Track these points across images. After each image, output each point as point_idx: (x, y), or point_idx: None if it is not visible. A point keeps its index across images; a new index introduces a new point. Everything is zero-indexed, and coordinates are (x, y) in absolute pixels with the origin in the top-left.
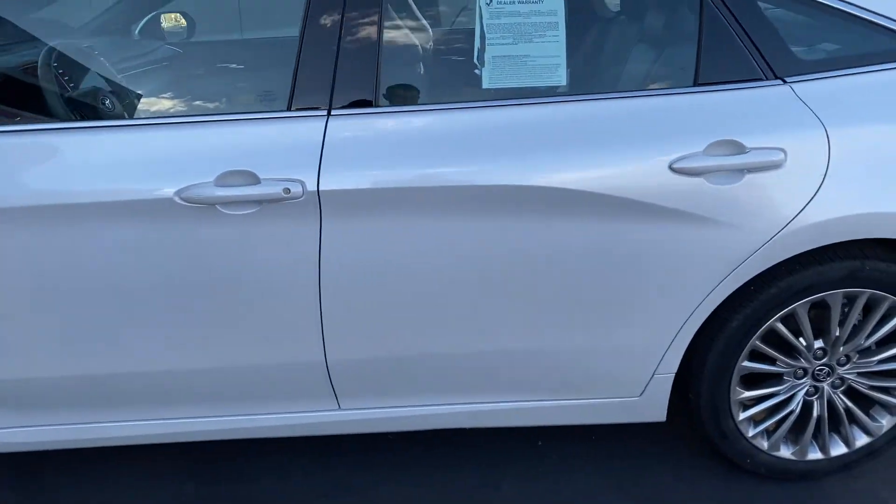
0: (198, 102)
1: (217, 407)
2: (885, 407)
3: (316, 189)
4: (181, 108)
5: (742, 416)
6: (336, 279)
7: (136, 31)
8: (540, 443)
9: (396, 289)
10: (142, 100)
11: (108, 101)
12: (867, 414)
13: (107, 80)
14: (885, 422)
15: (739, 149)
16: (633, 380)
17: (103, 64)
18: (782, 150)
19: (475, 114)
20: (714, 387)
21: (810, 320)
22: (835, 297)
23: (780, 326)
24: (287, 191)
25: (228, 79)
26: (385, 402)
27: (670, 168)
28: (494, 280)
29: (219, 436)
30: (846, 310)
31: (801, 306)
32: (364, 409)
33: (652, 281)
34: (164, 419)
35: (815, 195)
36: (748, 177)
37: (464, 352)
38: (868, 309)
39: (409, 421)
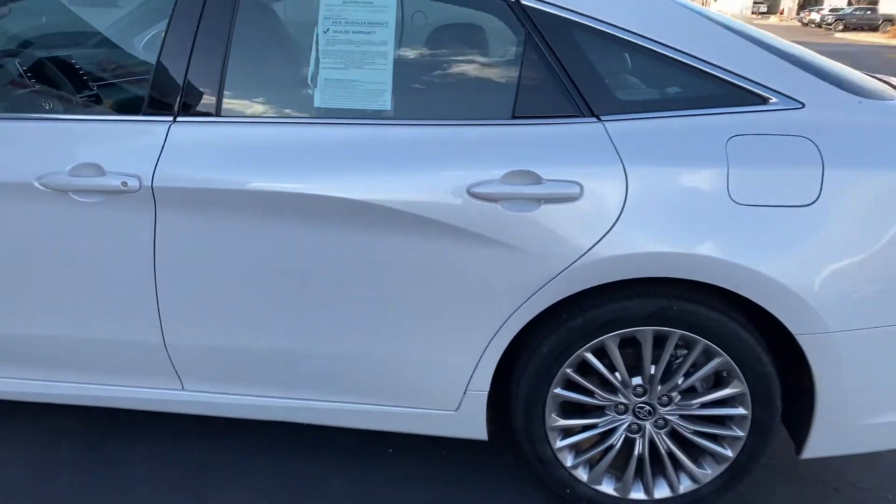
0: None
1: (75, 374)
2: (712, 455)
3: (150, 185)
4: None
5: (560, 443)
6: (170, 269)
7: None
8: (390, 450)
9: (224, 284)
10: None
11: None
12: (693, 459)
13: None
14: (711, 470)
15: (536, 179)
16: (447, 394)
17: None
18: (579, 183)
19: (305, 129)
20: (528, 411)
21: (632, 356)
22: (644, 333)
23: (592, 358)
24: (125, 184)
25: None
26: (226, 389)
27: (468, 192)
28: (313, 285)
29: (72, 400)
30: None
31: (609, 339)
32: (207, 392)
33: (455, 298)
34: (31, 380)
35: (609, 230)
36: (544, 207)
37: (288, 349)
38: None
39: (249, 410)
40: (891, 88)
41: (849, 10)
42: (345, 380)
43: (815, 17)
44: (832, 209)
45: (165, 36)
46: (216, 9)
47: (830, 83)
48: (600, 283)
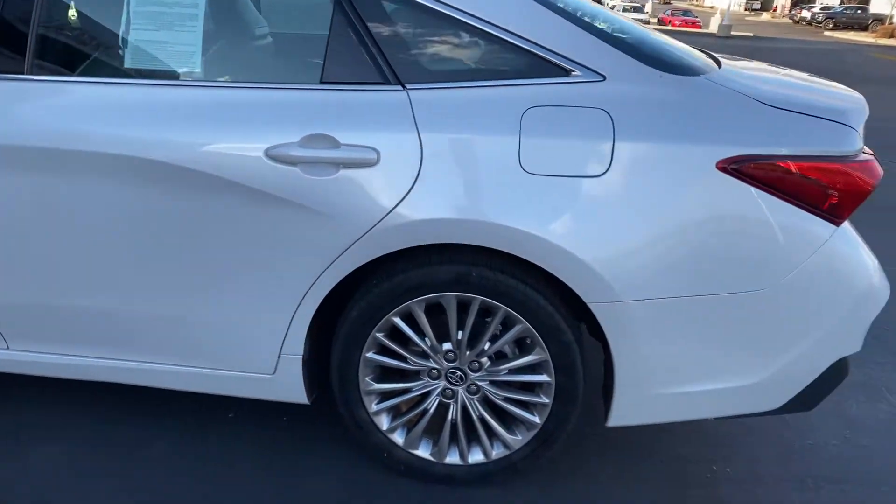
0: None
1: None
2: (522, 421)
3: None
4: None
5: (375, 407)
6: None
7: None
8: (231, 415)
9: (40, 242)
10: None
11: None
12: (505, 426)
13: None
14: (522, 436)
15: (334, 144)
16: (262, 357)
17: None
18: (375, 149)
19: (113, 89)
20: (343, 375)
21: (443, 322)
22: (448, 299)
23: (400, 323)
24: None
25: None
26: (50, 349)
27: (266, 154)
28: (124, 245)
29: None
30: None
31: (416, 304)
32: (30, 352)
33: (261, 261)
34: None
35: (405, 196)
36: (343, 171)
37: (106, 309)
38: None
39: (74, 370)
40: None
41: (839, 8)
42: (163, 341)
43: (807, 15)
44: (622, 180)
45: None
46: None
47: (635, 57)
48: (399, 248)
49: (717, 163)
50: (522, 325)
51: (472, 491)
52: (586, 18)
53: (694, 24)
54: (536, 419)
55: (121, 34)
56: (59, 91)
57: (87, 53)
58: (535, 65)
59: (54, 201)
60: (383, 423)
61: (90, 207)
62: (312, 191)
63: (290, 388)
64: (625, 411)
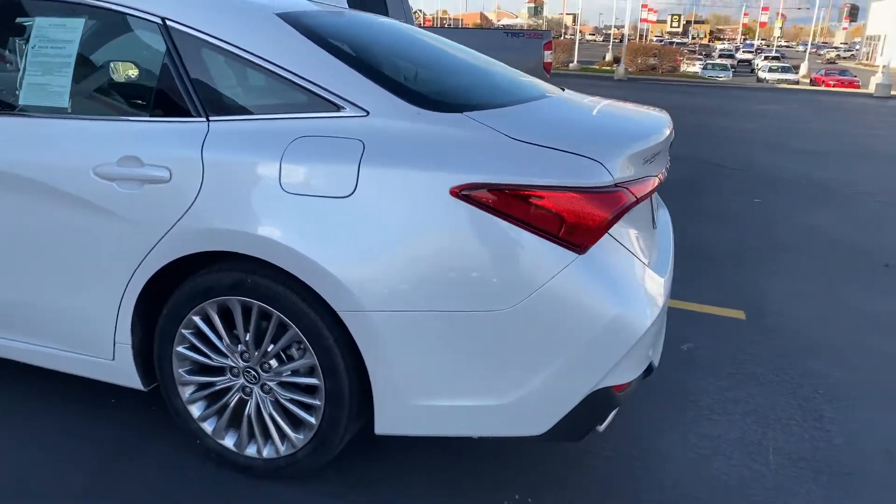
0: None
1: None
2: (303, 421)
3: None
4: None
5: (188, 397)
6: None
7: None
8: (112, 400)
9: None
10: None
11: None
12: (292, 425)
13: None
14: (304, 436)
15: (139, 164)
16: (100, 343)
17: None
18: (168, 168)
19: (8, 120)
20: (161, 367)
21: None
22: (232, 303)
23: (199, 322)
24: None
25: None
26: None
27: (93, 172)
28: None
29: None
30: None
31: (209, 306)
32: None
33: (90, 259)
34: None
35: (188, 209)
36: (147, 187)
37: None
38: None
39: None
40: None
41: None
42: (18, 321)
43: None
44: (367, 201)
45: None
46: None
47: (402, 96)
48: (186, 253)
49: (451, 189)
50: (293, 330)
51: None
52: (377, 58)
53: (851, 84)
54: (313, 420)
55: (18, 79)
56: None
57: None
58: (313, 102)
59: None
60: (195, 412)
61: None
62: (124, 202)
63: (127, 374)
64: (388, 420)
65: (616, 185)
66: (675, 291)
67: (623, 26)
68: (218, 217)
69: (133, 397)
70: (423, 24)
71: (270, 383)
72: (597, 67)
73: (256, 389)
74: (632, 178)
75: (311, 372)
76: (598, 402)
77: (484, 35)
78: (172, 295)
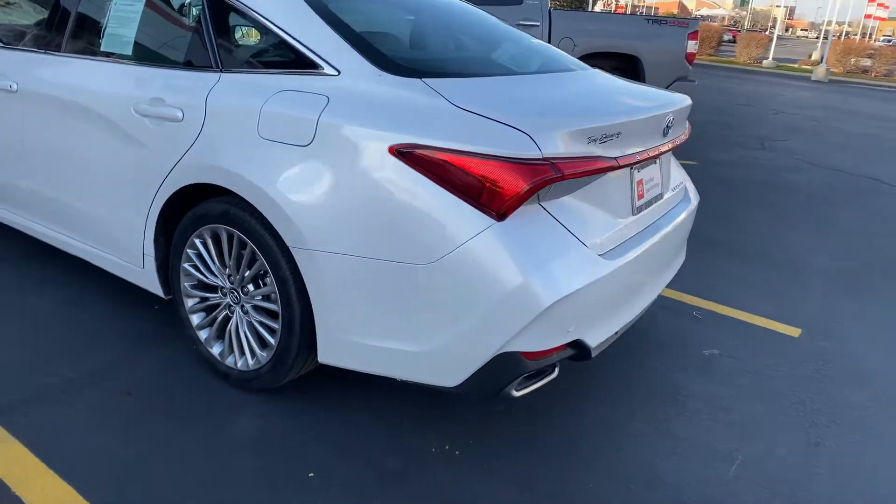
0: None
1: None
2: (266, 342)
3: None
4: None
5: (190, 306)
6: None
7: None
8: (156, 307)
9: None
10: None
11: None
12: (261, 343)
13: None
14: (266, 354)
15: (164, 104)
16: (134, 253)
17: None
18: (182, 110)
19: (95, 63)
20: (173, 279)
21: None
22: (220, 230)
23: (198, 242)
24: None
25: None
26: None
27: (133, 109)
28: (50, 150)
29: None
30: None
31: (205, 230)
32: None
33: (126, 179)
34: None
35: (192, 145)
36: (167, 124)
37: (40, 192)
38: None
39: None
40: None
41: None
42: (77, 223)
43: None
44: (321, 151)
45: None
46: None
47: (371, 59)
48: (189, 182)
49: (389, 147)
50: (261, 260)
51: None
52: (371, 24)
53: None
54: (273, 342)
55: (102, 29)
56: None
57: (86, 41)
58: (301, 60)
59: (13, 122)
60: (195, 321)
61: (45, 127)
62: (151, 134)
63: (152, 282)
64: (327, 351)
65: (544, 160)
66: (734, 298)
67: (844, 22)
68: (210, 154)
69: (161, 302)
70: (615, 11)
71: (247, 305)
72: (796, 66)
73: (238, 309)
74: (568, 156)
75: (269, 298)
76: (505, 365)
77: (621, 21)
78: (183, 219)
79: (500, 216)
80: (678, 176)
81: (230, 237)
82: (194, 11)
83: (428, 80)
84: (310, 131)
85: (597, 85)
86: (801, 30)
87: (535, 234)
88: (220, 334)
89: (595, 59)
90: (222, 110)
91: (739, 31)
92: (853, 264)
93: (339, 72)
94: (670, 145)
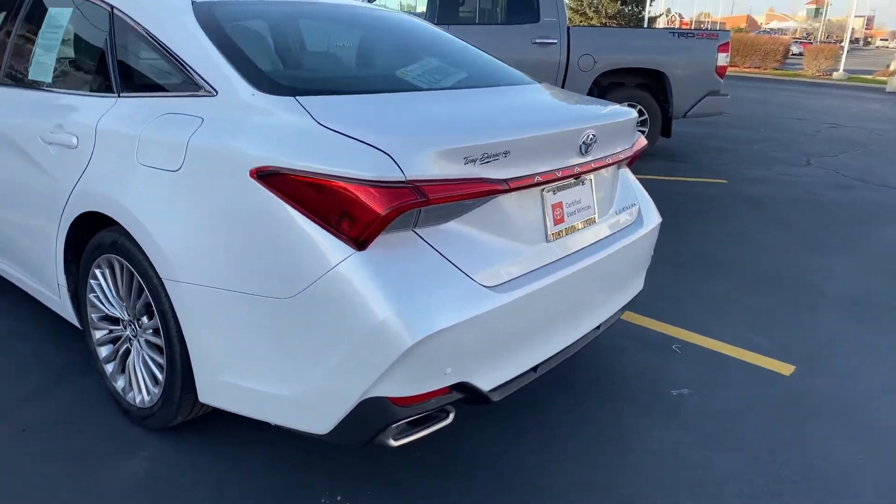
0: None
1: None
2: (158, 380)
3: None
4: None
5: (96, 339)
6: None
7: None
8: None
9: None
10: None
11: None
12: (154, 380)
13: None
14: (158, 392)
15: (62, 130)
16: (52, 281)
17: None
18: (76, 135)
19: (16, 91)
20: (80, 310)
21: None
22: (112, 260)
23: (98, 273)
24: None
25: None
26: None
27: (40, 138)
28: None
29: None
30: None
31: (102, 260)
32: None
33: (38, 209)
34: None
35: (83, 172)
36: (66, 150)
37: None
38: None
39: None
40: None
41: None
42: (6, 250)
43: None
44: (188, 177)
45: None
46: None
47: (247, 77)
48: (82, 211)
49: (251, 170)
50: (146, 293)
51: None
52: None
53: None
54: (161, 378)
55: (31, 58)
56: None
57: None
58: (186, 83)
59: None
60: (102, 353)
61: None
62: (54, 161)
63: (69, 312)
64: (206, 391)
65: (407, 182)
66: (725, 329)
67: None
68: (97, 181)
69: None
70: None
71: (141, 339)
72: (870, 78)
73: (136, 342)
74: (439, 178)
75: (156, 332)
76: (372, 411)
77: (644, 35)
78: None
79: (360, 245)
80: (629, 196)
81: (122, 267)
82: (100, 36)
83: (302, 99)
84: (180, 155)
85: (510, 101)
86: (881, 39)
87: (405, 264)
88: (123, 368)
89: (618, 75)
90: (109, 136)
91: (811, 43)
92: (873, 292)
93: (217, 92)
94: (598, 164)
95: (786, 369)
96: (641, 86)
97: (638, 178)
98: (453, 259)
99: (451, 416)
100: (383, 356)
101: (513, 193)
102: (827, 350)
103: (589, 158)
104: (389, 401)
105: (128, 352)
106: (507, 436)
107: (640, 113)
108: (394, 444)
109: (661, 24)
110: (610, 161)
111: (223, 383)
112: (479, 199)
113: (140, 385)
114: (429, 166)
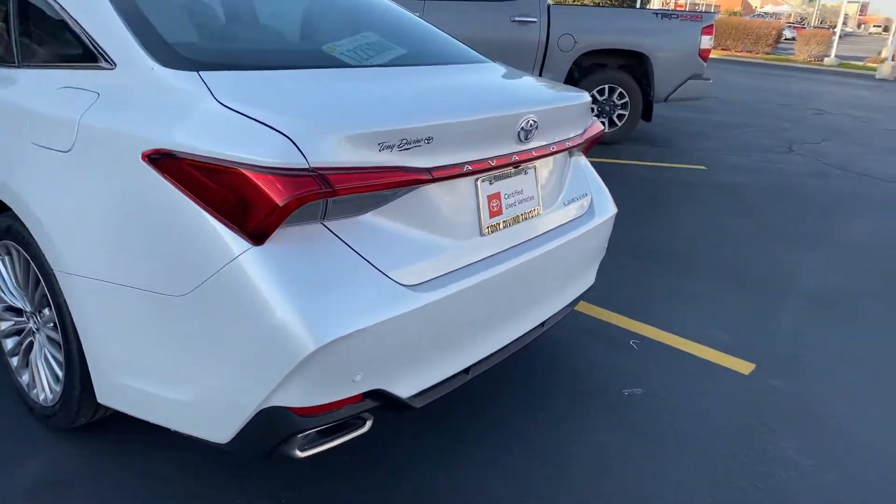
0: None
1: None
2: (58, 377)
3: None
4: None
5: (2, 329)
6: None
7: None
8: None
9: None
10: None
11: None
12: (55, 377)
13: None
14: (60, 390)
15: None
16: None
17: None
18: None
19: None
20: None
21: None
22: (9, 246)
23: None
24: None
25: None
26: None
27: None
28: None
29: None
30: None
31: (1, 247)
32: None
33: None
34: None
35: None
36: None
37: None
38: None
39: None
40: None
41: None
42: None
43: None
44: (80, 158)
45: None
46: None
47: (149, 50)
48: None
49: (143, 153)
50: (42, 284)
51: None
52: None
53: None
54: (60, 376)
55: None
56: None
57: None
58: (88, 52)
59: None
60: (7, 345)
61: None
62: None
63: None
64: (104, 391)
65: (311, 170)
66: (685, 324)
67: None
68: None
69: None
70: (675, 7)
71: (43, 333)
72: (860, 65)
73: (38, 336)
74: (349, 166)
75: (56, 327)
76: (271, 422)
77: (627, 15)
78: None
79: (257, 239)
80: (580, 186)
81: (19, 255)
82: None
83: (206, 74)
84: (71, 134)
85: (447, 81)
86: (874, 26)
87: (310, 261)
88: (28, 362)
89: (599, 56)
90: (4, 109)
91: (804, 28)
92: (843, 287)
93: (115, 65)
94: (541, 152)
95: (745, 368)
96: (623, 68)
97: (613, 163)
98: (367, 255)
99: (369, 423)
100: (282, 363)
101: (441, 184)
102: (788, 348)
103: (530, 146)
104: (291, 411)
105: (31, 346)
106: (441, 443)
107: (621, 96)
108: (300, 455)
109: (655, 5)
110: (556, 149)
111: (120, 384)
112: (398, 189)
113: (42, 382)
114: (337, 152)
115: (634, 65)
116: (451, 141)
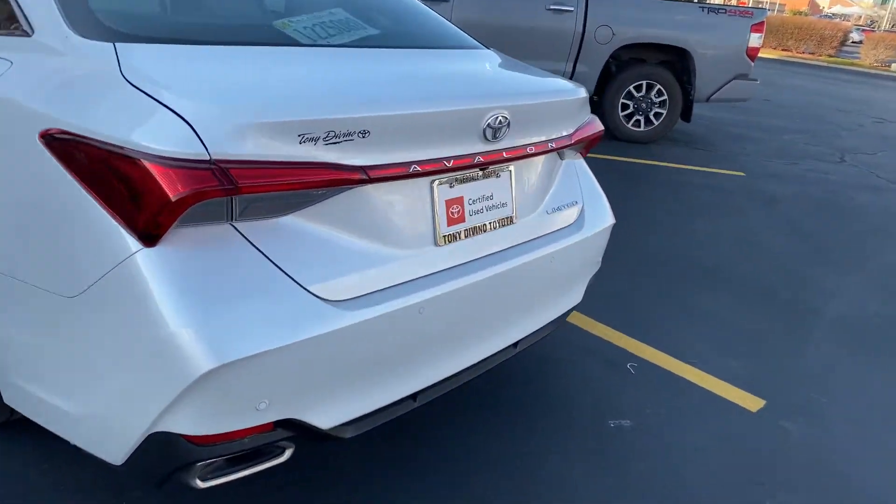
0: None
1: None
2: None
3: None
4: None
5: None
6: None
7: None
8: None
9: None
10: None
11: None
12: None
13: None
14: None
15: None
16: None
17: None
18: None
19: None
20: None
21: None
22: None
23: None
24: None
25: None
26: None
27: None
28: None
29: None
30: None
31: None
32: None
33: None
34: None
35: None
36: None
37: None
38: None
39: None
40: None
41: None
42: None
43: None
44: None
45: None
46: None
47: (68, 18)
48: None
49: (40, 132)
50: None
51: None
52: None
53: None
54: None
55: None
56: None
57: None
58: (11, 16)
59: None
60: None
61: None
62: None
63: None
64: (7, 391)
65: (211, 162)
66: (695, 349)
67: None
68: None
69: None
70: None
71: None
72: None
73: None
74: (261, 160)
75: None
76: (162, 448)
77: (670, 8)
78: None
79: (147, 238)
80: (570, 193)
81: None
82: None
83: (123, 46)
84: None
85: (411, 67)
86: None
87: (213, 268)
88: None
89: (638, 51)
90: None
91: (874, 31)
92: (882, 318)
93: (33, 31)
94: (514, 153)
95: (754, 404)
96: (663, 63)
97: (642, 163)
98: (283, 264)
99: (289, 452)
100: (171, 384)
101: (386, 185)
102: (808, 386)
103: (500, 146)
104: (185, 439)
105: None
106: (403, 478)
107: (659, 93)
108: (201, 485)
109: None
110: (534, 150)
111: (15, 386)
112: (329, 189)
113: None
114: (245, 143)
115: (676, 61)
116: (395, 137)
